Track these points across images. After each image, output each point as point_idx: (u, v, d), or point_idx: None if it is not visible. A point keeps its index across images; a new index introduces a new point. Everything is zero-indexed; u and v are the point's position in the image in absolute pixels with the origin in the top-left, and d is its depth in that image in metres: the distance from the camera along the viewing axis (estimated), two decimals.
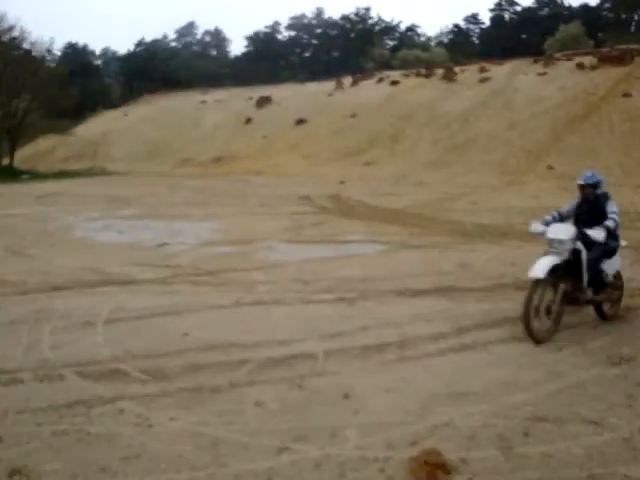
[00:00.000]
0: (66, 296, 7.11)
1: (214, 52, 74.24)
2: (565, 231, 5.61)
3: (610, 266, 5.88)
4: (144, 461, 3.33)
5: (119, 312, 6.33)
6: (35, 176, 32.20)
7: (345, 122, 33.02)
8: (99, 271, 8.47)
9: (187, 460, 3.34)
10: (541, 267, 5.34)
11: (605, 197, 5.86)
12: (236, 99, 43.47)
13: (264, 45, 69.35)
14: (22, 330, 5.76)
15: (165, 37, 74.28)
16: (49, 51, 44.81)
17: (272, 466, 3.27)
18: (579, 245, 5.57)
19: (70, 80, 41.60)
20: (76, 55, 63.50)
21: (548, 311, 5.41)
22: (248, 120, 38.97)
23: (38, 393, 4.28)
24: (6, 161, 35.89)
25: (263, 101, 41.10)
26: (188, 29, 74.54)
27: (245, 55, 71.18)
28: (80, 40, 68.46)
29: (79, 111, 47.22)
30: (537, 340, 5.26)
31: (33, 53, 39.23)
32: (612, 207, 5.77)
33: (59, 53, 58.99)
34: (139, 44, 70.96)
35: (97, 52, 72.56)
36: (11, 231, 12.54)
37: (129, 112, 49.35)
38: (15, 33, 37.27)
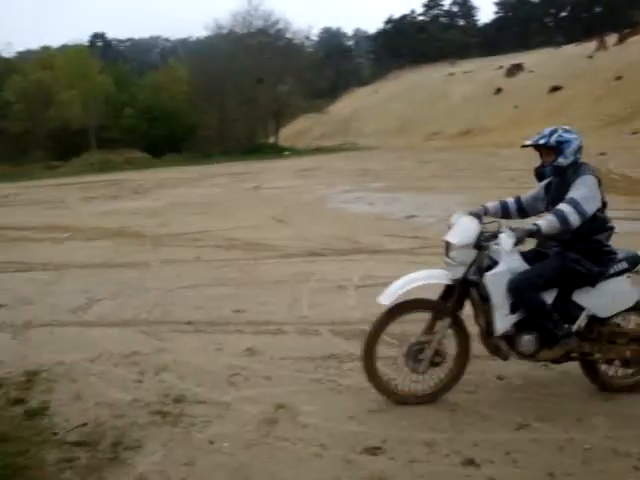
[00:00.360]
0: (322, 261, 7.83)
1: (462, 22, 72.44)
2: (463, 231, 3.59)
3: (596, 299, 3.55)
4: (387, 416, 3.57)
5: (369, 278, 6.75)
6: (295, 152, 35.51)
7: (608, 86, 29.75)
8: (351, 240, 9.11)
9: (427, 422, 3.49)
10: (396, 288, 3.50)
11: (576, 170, 3.56)
12: (485, 69, 42.09)
13: (515, 9, 65.49)
14: (285, 289, 6.52)
15: (412, 12, 74.84)
16: (307, 37, 48.53)
17: (511, 440, 3.25)
18: (498, 254, 3.48)
19: (325, 62, 44.56)
20: (331, 38, 67.63)
21: (416, 357, 3.55)
22: (498, 90, 37.57)
23: (298, 344, 4.84)
24: (272, 140, 40.17)
25: (514, 69, 39.18)
26: (435, 1, 73.80)
27: (494, 22, 68.15)
28: (334, 24, 72.82)
29: (333, 91, 50.46)
30: (396, 401, 3.60)
31: (294, 41, 42.92)
32: (579, 188, 3.44)
33: (316, 38, 63.45)
34: (388, 22, 72.66)
35: (349, 33, 76.35)
36: (276, 201, 14.12)
37: (379, 89, 51.15)
38: (280, 26, 41.27)
